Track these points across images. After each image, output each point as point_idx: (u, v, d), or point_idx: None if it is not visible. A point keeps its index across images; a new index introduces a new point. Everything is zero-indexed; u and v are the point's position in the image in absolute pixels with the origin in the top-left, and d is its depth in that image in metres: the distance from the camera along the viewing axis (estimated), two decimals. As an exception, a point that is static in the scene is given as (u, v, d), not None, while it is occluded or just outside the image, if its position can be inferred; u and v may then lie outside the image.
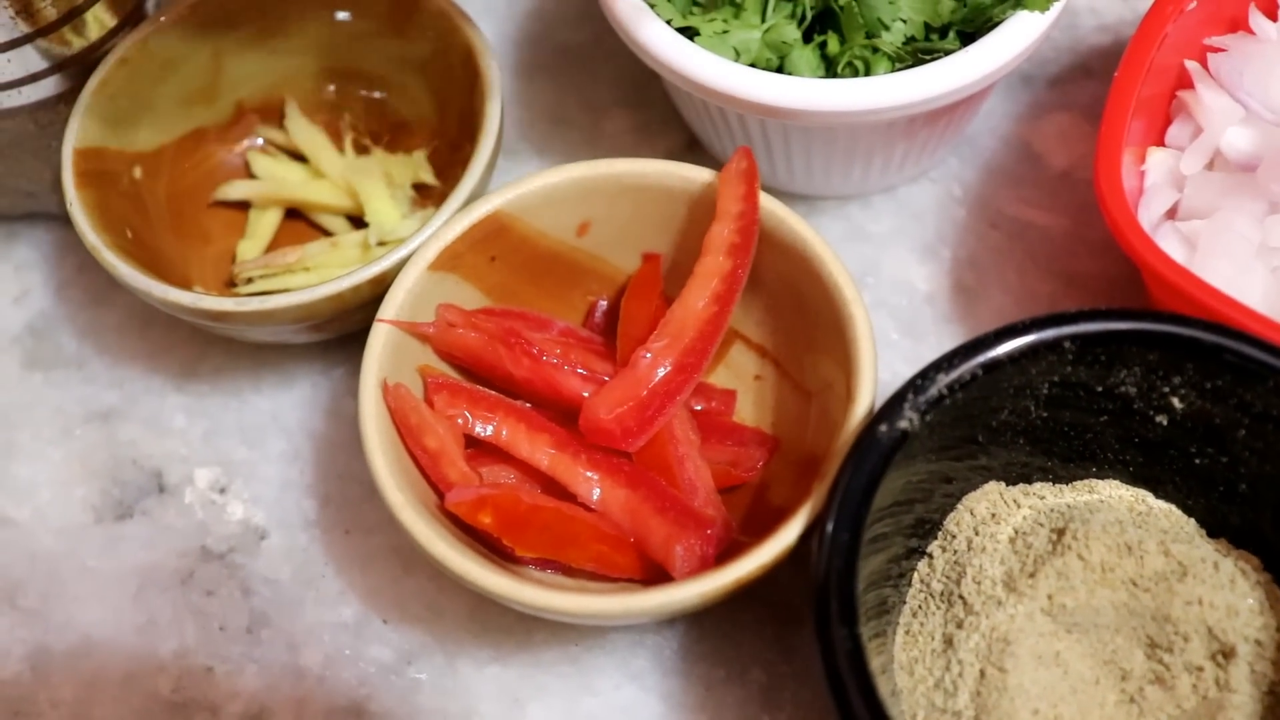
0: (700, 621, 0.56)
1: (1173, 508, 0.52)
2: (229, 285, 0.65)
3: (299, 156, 0.69)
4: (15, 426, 0.65)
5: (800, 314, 0.56)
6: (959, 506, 0.52)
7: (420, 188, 0.67)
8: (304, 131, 0.68)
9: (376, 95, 0.69)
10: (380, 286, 0.55)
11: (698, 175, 0.56)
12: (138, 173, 0.64)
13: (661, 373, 0.53)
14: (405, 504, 0.50)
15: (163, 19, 0.64)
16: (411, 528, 0.49)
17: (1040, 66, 0.72)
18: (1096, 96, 0.70)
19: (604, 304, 0.61)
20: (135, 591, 0.59)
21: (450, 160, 0.66)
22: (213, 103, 0.67)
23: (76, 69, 0.64)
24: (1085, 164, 0.68)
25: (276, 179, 0.68)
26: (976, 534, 0.51)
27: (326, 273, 0.64)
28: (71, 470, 0.63)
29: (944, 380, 0.47)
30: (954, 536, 0.51)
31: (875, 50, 0.59)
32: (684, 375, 0.53)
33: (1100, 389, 0.50)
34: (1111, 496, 0.52)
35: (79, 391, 0.66)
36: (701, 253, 0.55)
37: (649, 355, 0.53)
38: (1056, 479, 0.53)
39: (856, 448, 0.46)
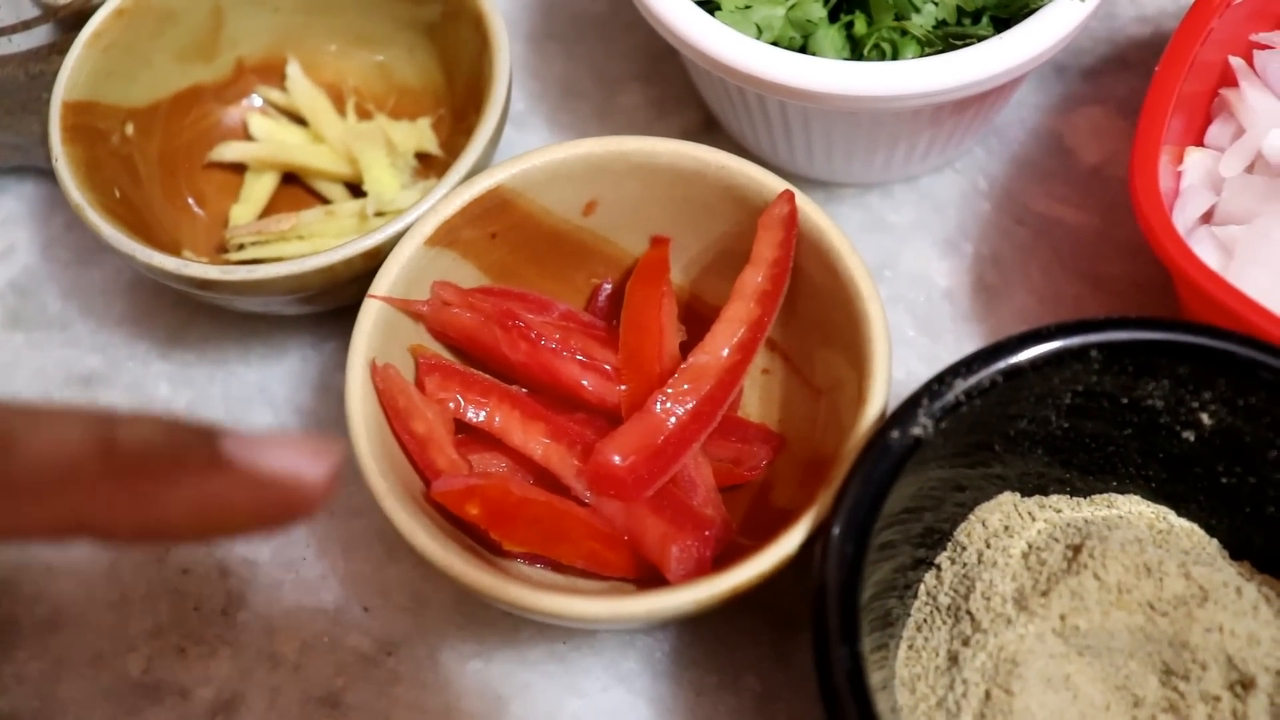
0: (694, 625, 0.54)
1: (1195, 527, 0.50)
2: (220, 251, 0.63)
3: (299, 119, 0.67)
4: (-6, 388, 0.63)
5: (814, 307, 0.54)
6: (971, 517, 0.50)
7: (423, 157, 0.65)
8: (305, 93, 0.66)
9: (382, 58, 0.67)
10: (374, 260, 0.53)
11: (711, 157, 0.54)
12: (129, 129, 0.61)
13: (678, 420, 0.51)
14: (388, 491, 0.48)
15: (163, -30, 0.62)
16: (394, 516, 0.47)
17: (1075, 57, 0.69)
18: (1133, 90, 0.67)
19: (608, 287, 0.59)
20: (109, 566, 0.57)
21: (455, 129, 0.64)
22: (211, 59, 0.65)
23: (71, 18, 0.62)
24: (1118, 160, 0.65)
25: (275, 141, 0.66)
26: (988, 547, 0.49)
27: (321, 242, 0.62)
28: (49, 436, 0.61)
29: (961, 386, 0.45)
30: (964, 548, 0.49)
31: (904, 33, 0.57)
32: (700, 423, 0.51)
33: (1126, 401, 0.48)
34: (1132, 513, 0.50)
35: (60, 354, 0.64)
36: (731, 297, 0.53)
37: (667, 401, 0.51)
38: (1075, 491, 0.51)
39: (866, 454, 0.44)
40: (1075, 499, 0.51)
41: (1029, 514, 0.50)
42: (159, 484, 0.35)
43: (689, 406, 0.51)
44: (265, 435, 0.36)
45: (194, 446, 0.35)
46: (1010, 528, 0.49)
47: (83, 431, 0.34)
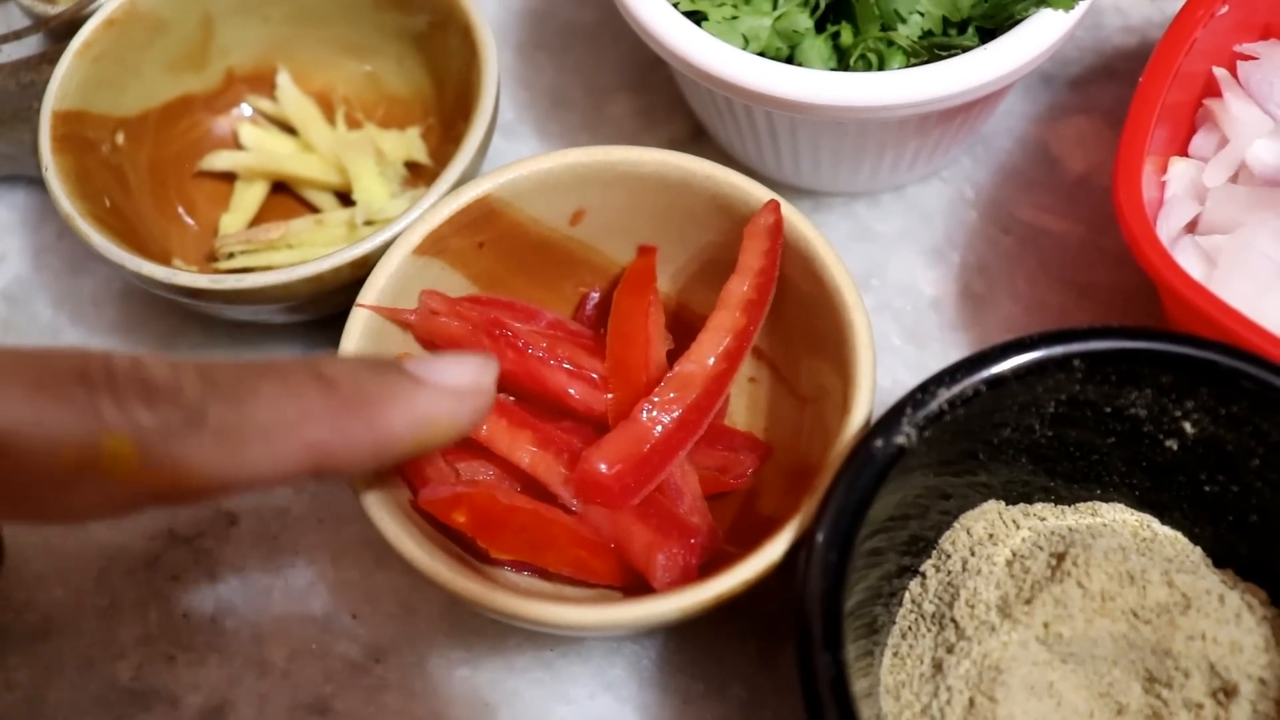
0: (680, 632, 0.55)
1: (1179, 535, 0.50)
2: (210, 260, 0.63)
3: (289, 129, 0.67)
4: (-16, 396, 0.63)
5: (799, 316, 0.54)
6: (955, 525, 0.50)
7: (413, 166, 0.65)
8: (294, 102, 0.66)
9: (371, 68, 0.67)
10: (362, 269, 0.53)
11: (697, 167, 0.54)
12: (120, 138, 0.62)
13: (664, 429, 0.51)
14: (375, 498, 0.48)
15: (152, -20, 0.62)
16: (381, 524, 0.47)
17: (1061, 66, 0.69)
18: (1119, 100, 0.68)
19: (596, 296, 0.59)
20: (98, 573, 0.57)
21: (444, 139, 0.64)
22: (201, 69, 0.65)
23: (62, 28, 0.62)
24: (1104, 170, 0.66)
25: (264, 151, 0.66)
26: (972, 555, 0.49)
27: (310, 251, 0.62)
28: (40, 444, 0.61)
29: (945, 395, 0.45)
30: (949, 556, 0.49)
31: (890, 43, 0.57)
32: (687, 432, 0.51)
33: (1109, 409, 0.48)
34: (1115, 521, 0.50)
35: (51, 363, 0.64)
36: (716, 306, 0.53)
37: (653, 410, 0.51)
38: (1059, 500, 0.51)
39: (850, 463, 0.45)
40: (1059, 507, 0.51)
41: (1013, 522, 0.50)
42: (379, 408, 0.40)
43: (675, 415, 0.51)
44: (437, 355, 0.43)
45: (392, 372, 0.41)
46: (995, 536, 0.49)
47: (303, 372, 0.39)
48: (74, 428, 0.34)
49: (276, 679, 0.55)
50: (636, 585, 0.50)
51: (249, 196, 0.65)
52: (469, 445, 0.53)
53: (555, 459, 0.52)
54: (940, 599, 0.48)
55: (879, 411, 0.46)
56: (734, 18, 0.58)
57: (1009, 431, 0.48)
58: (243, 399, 0.37)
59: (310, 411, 0.38)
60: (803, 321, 0.54)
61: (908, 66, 0.57)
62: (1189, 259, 0.55)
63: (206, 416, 0.36)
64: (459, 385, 0.43)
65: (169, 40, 0.63)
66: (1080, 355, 0.46)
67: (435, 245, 0.54)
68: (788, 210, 0.53)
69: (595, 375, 0.54)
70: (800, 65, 0.57)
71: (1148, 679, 0.46)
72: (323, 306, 0.57)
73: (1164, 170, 0.57)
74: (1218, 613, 0.46)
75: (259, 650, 0.55)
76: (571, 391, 0.53)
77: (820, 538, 0.43)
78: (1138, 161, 0.53)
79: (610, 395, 0.54)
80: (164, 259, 0.59)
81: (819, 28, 0.59)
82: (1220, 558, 0.49)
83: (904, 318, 0.62)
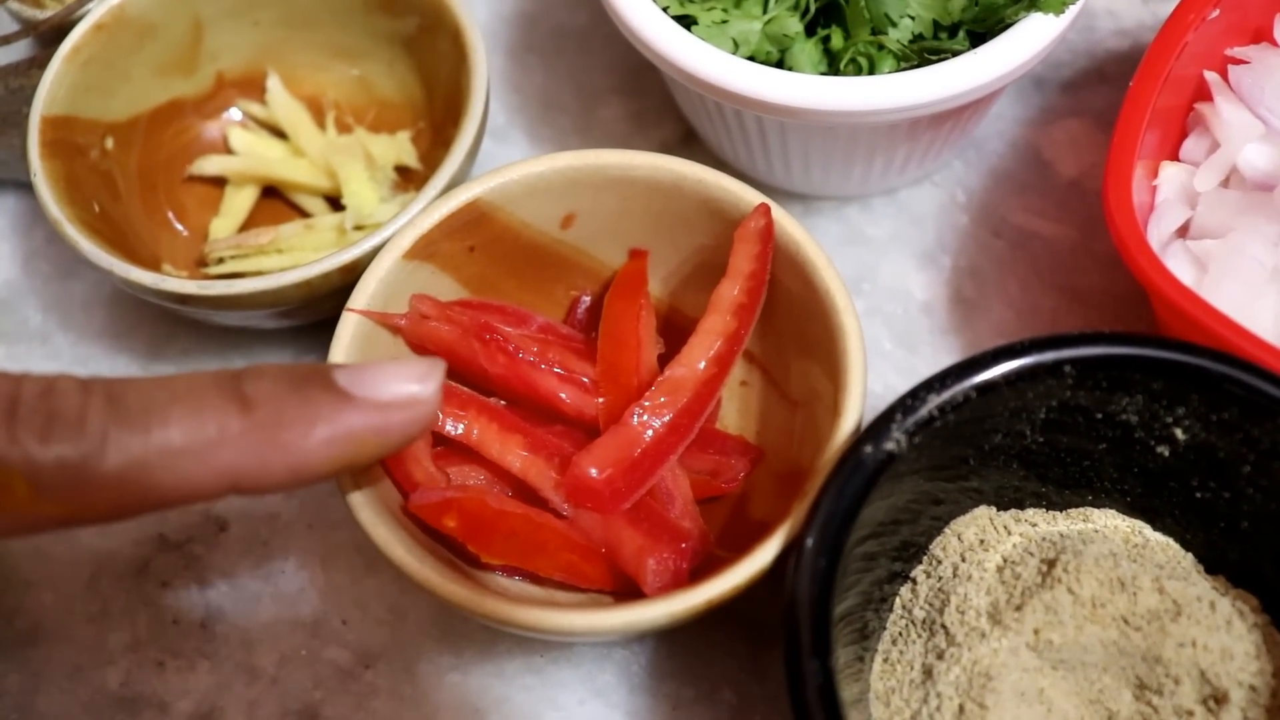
0: (670, 637, 0.55)
1: (1170, 541, 0.50)
2: (200, 265, 0.63)
3: (279, 133, 0.67)
4: (-27, 401, 0.63)
5: (791, 320, 0.54)
6: (946, 531, 0.50)
7: (403, 171, 0.65)
8: (285, 106, 0.66)
9: (360, 72, 0.67)
10: (352, 274, 0.53)
11: (688, 170, 0.54)
12: (109, 143, 0.61)
13: (655, 433, 0.51)
14: (365, 503, 0.48)
15: (142, -16, 0.62)
16: (371, 529, 0.47)
17: (1053, 70, 0.69)
18: (1111, 103, 0.68)
19: (587, 299, 0.59)
20: (88, 579, 0.57)
21: (434, 142, 0.64)
22: (191, 73, 0.65)
23: (51, 33, 0.62)
24: (1096, 174, 0.65)
25: (254, 155, 0.66)
26: (963, 560, 0.49)
27: (300, 255, 0.62)
28: (29, 449, 0.61)
29: (935, 401, 0.45)
30: (939, 562, 0.49)
31: (881, 47, 0.57)
32: (678, 436, 0.51)
33: (1100, 415, 0.48)
34: (1107, 527, 0.50)
35: (41, 367, 0.63)
36: (707, 310, 0.53)
37: (644, 414, 0.51)
38: (1050, 505, 0.51)
39: (840, 468, 0.44)
40: (1051, 513, 0.51)
41: (1004, 528, 0.50)
42: (296, 431, 0.38)
43: (666, 419, 0.51)
44: (373, 364, 0.41)
45: (316, 388, 0.39)
46: (985, 542, 0.49)
47: (217, 393, 0.38)
48: None
49: (266, 685, 0.55)
50: (627, 590, 0.50)
51: (239, 201, 0.65)
52: (460, 450, 0.53)
53: (546, 463, 0.51)
54: (931, 605, 0.48)
55: (870, 416, 0.46)
56: (724, 22, 0.58)
57: (1000, 437, 0.48)
58: (150, 427, 0.36)
59: (223, 437, 0.37)
60: (794, 325, 0.54)
61: (898, 70, 0.57)
62: (1180, 264, 0.55)
63: (106, 449, 0.36)
64: (392, 399, 0.40)
65: (158, 45, 0.63)
66: (1071, 361, 0.46)
67: (425, 249, 0.54)
68: (778, 214, 0.53)
69: (586, 379, 0.54)
70: (790, 69, 0.57)
71: (1138, 686, 0.46)
72: (313, 311, 0.57)
73: (1155, 175, 0.57)
74: (1208, 619, 0.46)
75: (248, 656, 0.55)
76: (562, 396, 0.53)
77: (809, 544, 0.43)
78: (1128, 166, 0.53)
79: (601, 399, 0.54)
80: (153, 264, 0.59)
81: (809, 32, 0.59)
82: (1212, 564, 0.49)
83: (895, 322, 0.62)
